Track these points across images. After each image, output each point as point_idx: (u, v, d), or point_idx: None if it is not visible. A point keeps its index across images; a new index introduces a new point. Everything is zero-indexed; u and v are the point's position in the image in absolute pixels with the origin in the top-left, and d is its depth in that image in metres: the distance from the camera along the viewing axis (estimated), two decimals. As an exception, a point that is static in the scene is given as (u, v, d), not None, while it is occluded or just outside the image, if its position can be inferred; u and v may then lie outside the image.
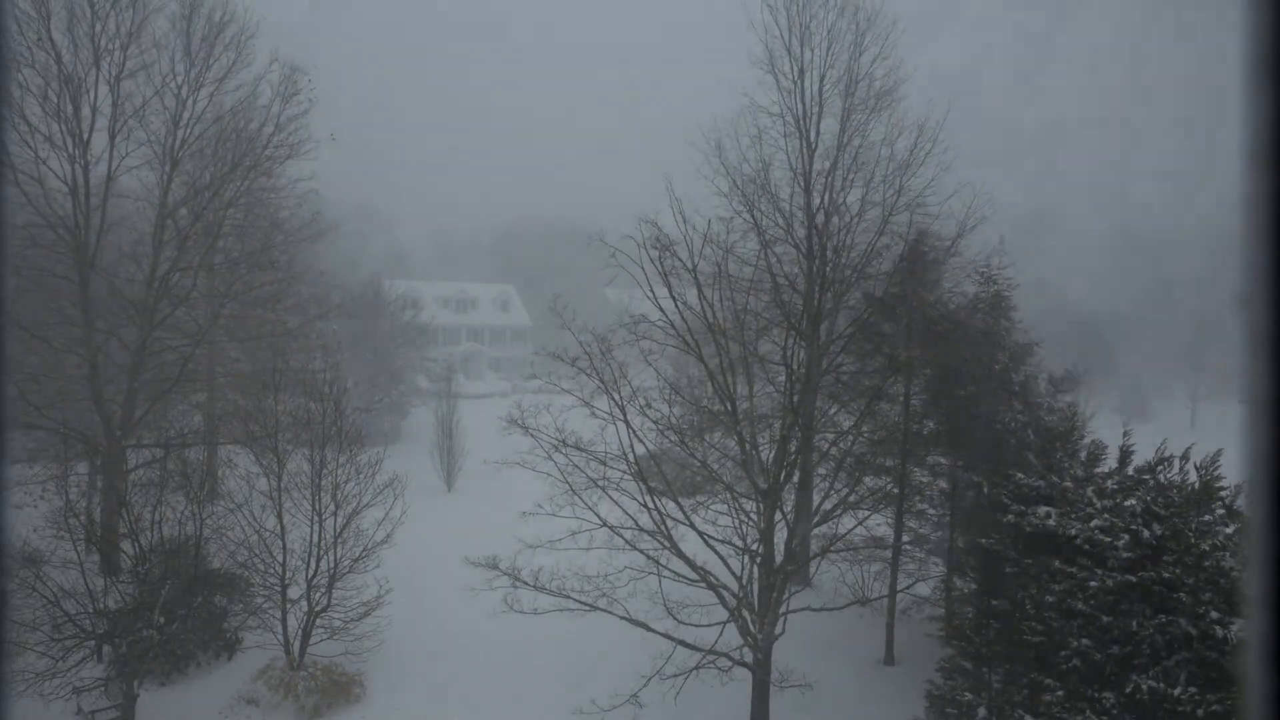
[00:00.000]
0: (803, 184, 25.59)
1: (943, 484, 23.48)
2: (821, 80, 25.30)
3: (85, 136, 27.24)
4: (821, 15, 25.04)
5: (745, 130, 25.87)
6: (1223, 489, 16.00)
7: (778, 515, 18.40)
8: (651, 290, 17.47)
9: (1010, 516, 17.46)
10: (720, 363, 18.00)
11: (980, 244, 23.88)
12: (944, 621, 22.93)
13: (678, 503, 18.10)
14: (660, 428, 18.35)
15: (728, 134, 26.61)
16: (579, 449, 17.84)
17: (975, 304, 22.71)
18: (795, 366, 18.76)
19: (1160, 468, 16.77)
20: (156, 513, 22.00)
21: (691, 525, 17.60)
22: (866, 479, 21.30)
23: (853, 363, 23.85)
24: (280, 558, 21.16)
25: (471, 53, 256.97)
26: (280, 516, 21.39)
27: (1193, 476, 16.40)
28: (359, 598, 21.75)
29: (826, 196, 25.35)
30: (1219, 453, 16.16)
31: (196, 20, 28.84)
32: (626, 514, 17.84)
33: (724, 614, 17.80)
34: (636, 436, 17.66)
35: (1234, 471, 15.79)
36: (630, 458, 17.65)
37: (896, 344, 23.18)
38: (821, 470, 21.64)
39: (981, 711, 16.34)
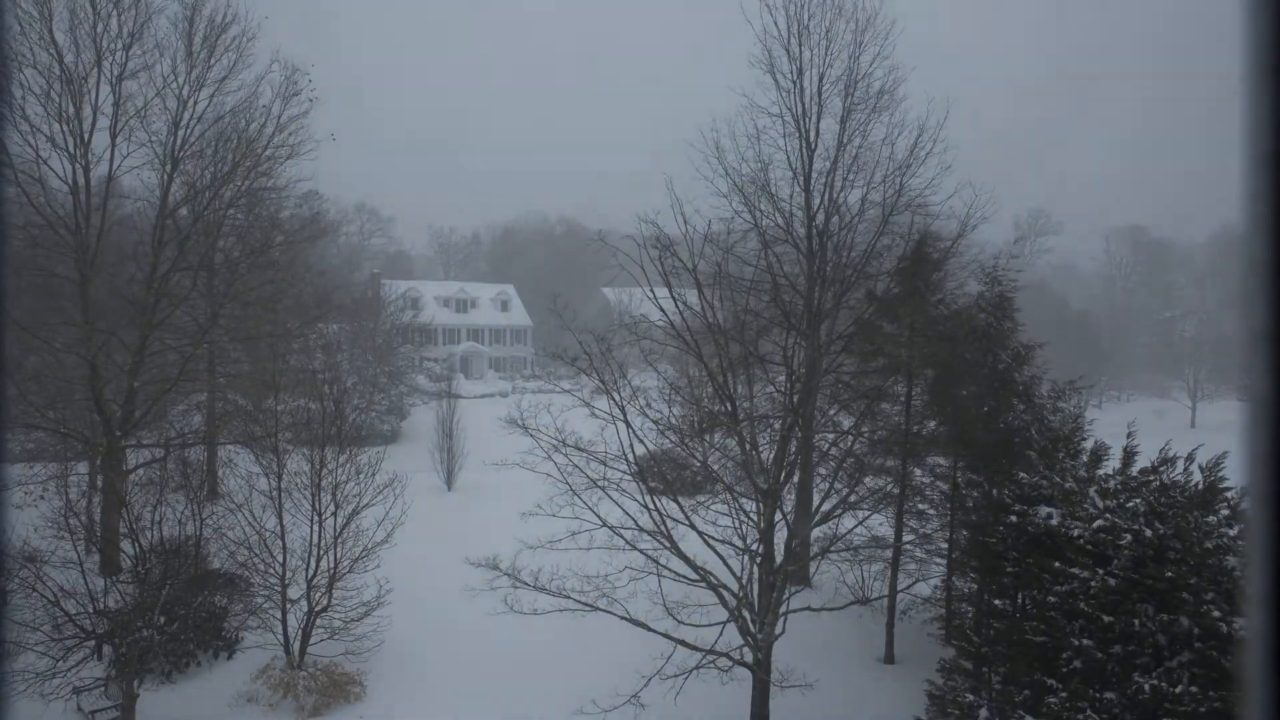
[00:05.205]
0: (802, 184, 25.60)
1: (943, 485, 23.48)
2: (820, 80, 25.30)
3: (86, 137, 27.25)
4: (819, 15, 25.05)
5: (744, 130, 25.91)
6: (1227, 490, 15.99)
7: (778, 515, 18.38)
8: (651, 290, 17.45)
9: (1012, 517, 17.45)
10: (720, 363, 17.99)
11: (983, 244, 23.86)
12: (944, 621, 22.95)
13: (678, 503, 18.08)
14: (660, 428, 18.33)
15: (726, 135, 26.61)
16: (579, 449, 17.83)
17: (979, 304, 22.72)
18: (795, 366, 18.75)
19: (1164, 468, 16.76)
20: (156, 513, 22.01)
21: (691, 525, 17.58)
22: (867, 479, 21.28)
23: (853, 363, 23.84)
24: (280, 557, 21.17)
25: (472, 53, 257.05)
26: (280, 516, 21.40)
27: (1197, 477, 16.39)
28: (359, 598, 21.75)
29: (826, 196, 25.35)
30: (1224, 454, 16.15)
31: (198, 21, 28.85)
32: (626, 514, 17.83)
33: (724, 614, 17.79)
34: (637, 436, 17.64)
35: (1239, 473, 15.77)
36: (630, 458, 17.63)
37: (898, 344, 23.18)
38: (822, 470, 21.63)
39: (983, 712, 16.33)
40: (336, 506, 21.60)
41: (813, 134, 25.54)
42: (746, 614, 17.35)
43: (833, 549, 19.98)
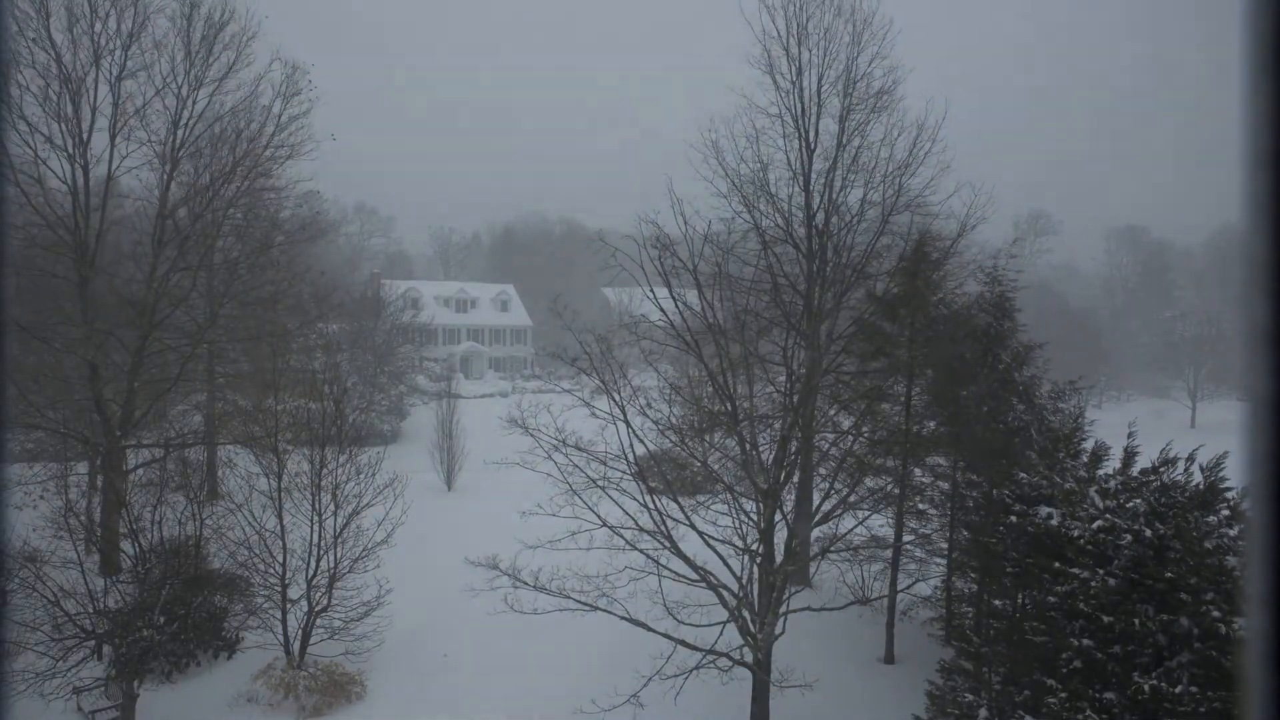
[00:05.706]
0: (802, 184, 25.60)
1: (943, 485, 23.47)
2: (819, 80, 25.32)
3: (85, 137, 27.25)
4: (818, 15, 25.06)
5: (743, 131, 25.91)
6: (1228, 490, 15.97)
7: (778, 515, 18.38)
8: (651, 290, 17.45)
9: (1012, 517, 17.44)
10: (720, 363, 17.99)
11: (982, 244, 23.87)
12: (944, 621, 22.95)
13: (678, 503, 18.08)
14: (660, 428, 18.32)
15: (725, 135, 26.59)
16: (579, 449, 17.83)
17: (979, 304, 22.72)
18: (795, 367, 18.75)
19: (1164, 469, 16.74)
20: (156, 513, 22.01)
21: (691, 525, 17.58)
22: (867, 479, 21.28)
23: (853, 363, 23.85)
24: (280, 557, 21.17)
25: (472, 53, 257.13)
26: (280, 516, 21.40)
27: (1197, 477, 16.37)
28: (359, 598, 21.75)
29: (826, 196, 25.36)
30: (1224, 454, 16.13)
31: (197, 19, 28.85)
32: (626, 514, 17.83)
33: (724, 614, 17.79)
34: (637, 436, 17.64)
35: (1239, 474, 15.75)
36: (630, 458, 17.63)
37: (898, 344, 23.18)
38: (822, 470, 21.63)
39: (983, 712, 16.32)
40: (336, 506, 21.61)
41: (812, 134, 25.55)
42: (746, 614, 17.35)
43: (833, 549, 19.97)
